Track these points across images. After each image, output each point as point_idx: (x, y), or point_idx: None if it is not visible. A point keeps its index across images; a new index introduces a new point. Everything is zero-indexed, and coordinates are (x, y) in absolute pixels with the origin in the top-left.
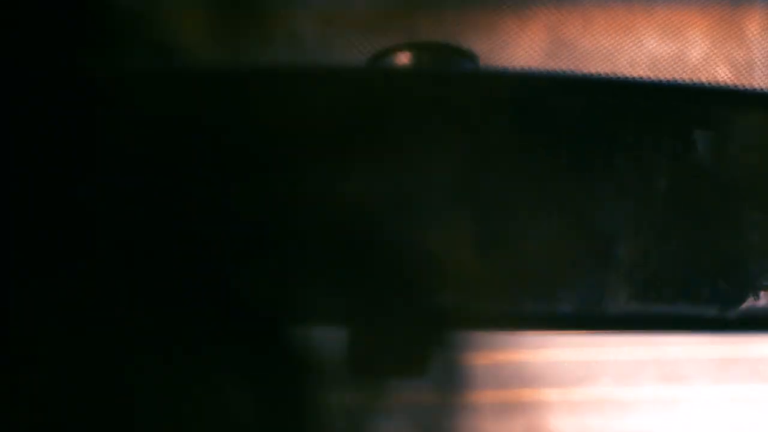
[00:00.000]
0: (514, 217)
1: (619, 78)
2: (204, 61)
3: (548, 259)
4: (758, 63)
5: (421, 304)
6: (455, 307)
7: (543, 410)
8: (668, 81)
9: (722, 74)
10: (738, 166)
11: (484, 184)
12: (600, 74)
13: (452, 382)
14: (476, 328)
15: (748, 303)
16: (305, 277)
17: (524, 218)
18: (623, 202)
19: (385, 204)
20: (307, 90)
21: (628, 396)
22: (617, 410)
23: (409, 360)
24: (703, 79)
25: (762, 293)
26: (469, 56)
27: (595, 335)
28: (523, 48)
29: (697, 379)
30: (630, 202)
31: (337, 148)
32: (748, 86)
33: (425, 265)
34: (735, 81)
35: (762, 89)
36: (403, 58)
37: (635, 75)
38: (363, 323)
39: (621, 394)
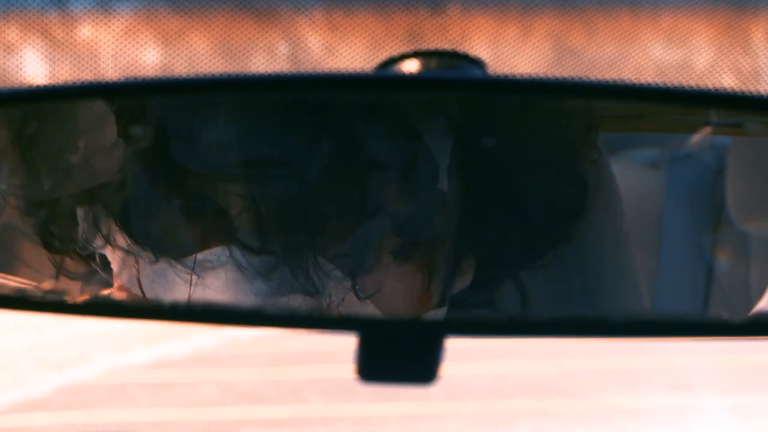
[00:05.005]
0: (509, 218)
1: (619, 84)
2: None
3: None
4: (764, 70)
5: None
6: (459, 313)
7: (550, 419)
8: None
9: (728, 81)
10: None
11: (489, 188)
12: (601, 80)
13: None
14: (478, 335)
15: (755, 308)
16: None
17: (515, 220)
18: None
19: (417, 215)
20: (316, 97)
21: (635, 405)
22: (624, 419)
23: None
24: (709, 86)
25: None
26: (477, 63)
27: (600, 341)
28: (529, 55)
29: (705, 388)
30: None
31: (346, 153)
32: (754, 92)
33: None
34: (741, 88)
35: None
36: (411, 66)
37: (641, 82)
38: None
39: (628, 403)
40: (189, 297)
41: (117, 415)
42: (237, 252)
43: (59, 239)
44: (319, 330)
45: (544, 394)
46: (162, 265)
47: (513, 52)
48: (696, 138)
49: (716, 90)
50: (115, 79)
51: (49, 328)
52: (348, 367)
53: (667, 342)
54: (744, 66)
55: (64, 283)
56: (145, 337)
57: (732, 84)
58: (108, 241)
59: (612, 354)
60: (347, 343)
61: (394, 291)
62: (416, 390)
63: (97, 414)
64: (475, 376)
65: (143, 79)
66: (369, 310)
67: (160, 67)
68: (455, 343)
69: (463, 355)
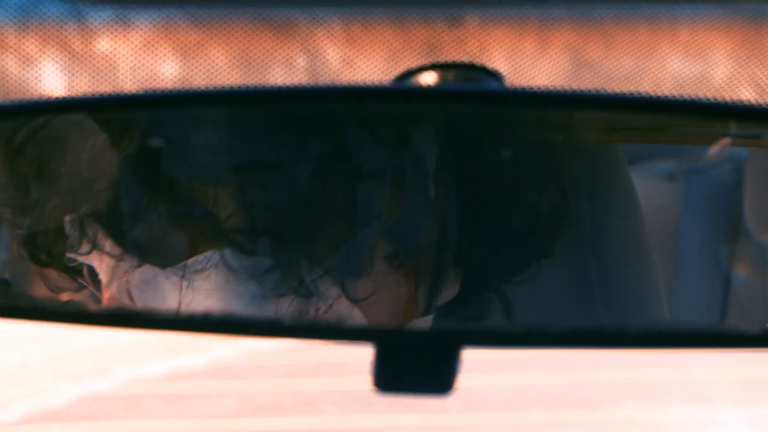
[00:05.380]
0: (529, 227)
1: (637, 96)
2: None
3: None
4: None
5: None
6: (476, 324)
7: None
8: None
9: (746, 94)
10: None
11: (511, 201)
12: (620, 93)
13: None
14: (496, 346)
15: None
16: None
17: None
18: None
19: (408, 222)
20: (332, 108)
21: (652, 417)
22: (642, 431)
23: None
24: (727, 99)
25: None
26: (494, 76)
27: (618, 353)
28: (547, 68)
29: (723, 400)
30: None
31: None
32: None
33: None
34: (759, 100)
35: None
36: (429, 78)
37: (660, 95)
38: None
39: (646, 416)
40: (206, 308)
41: (134, 426)
42: (228, 254)
43: (46, 251)
44: (336, 341)
45: (561, 405)
46: (149, 270)
47: (531, 65)
48: (714, 150)
49: (734, 102)
50: (133, 91)
51: (66, 340)
52: (364, 379)
53: (685, 353)
54: (762, 78)
55: (82, 294)
56: (162, 349)
57: (750, 96)
58: (95, 246)
59: (630, 366)
60: (362, 355)
61: (380, 297)
62: (433, 401)
63: (114, 425)
64: (492, 387)
65: (161, 91)
66: (385, 320)
67: (179, 80)
68: (472, 355)
69: (480, 366)
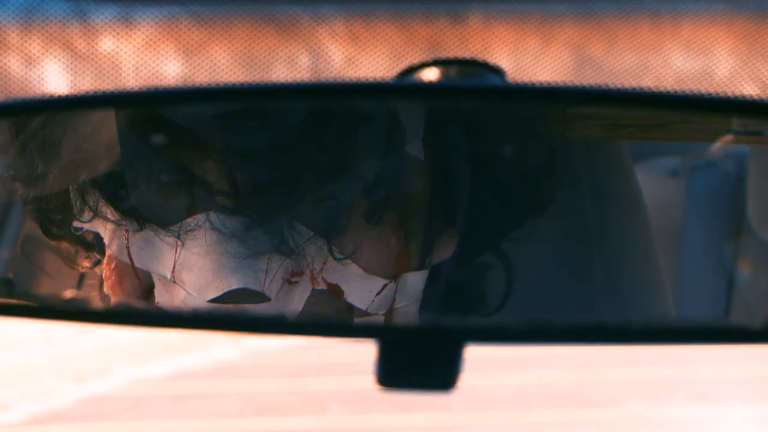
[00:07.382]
0: (533, 225)
1: (639, 91)
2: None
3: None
4: None
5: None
6: (479, 320)
7: (572, 430)
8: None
9: (748, 90)
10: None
11: (506, 197)
12: (622, 89)
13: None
14: (499, 342)
15: None
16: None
17: (545, 228)
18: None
19: (410, 217)
20: (336, 106)
21: (659, 416)
22: (648, 429)
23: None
24: (730, 95)
25: None
26: (496, 72)
27: (623, 349)
28: (550, 64)
29: (728, 398)
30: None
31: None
32: None
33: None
34: (761, 96)
35: None
36: (431, 75)
37: (662, 91)
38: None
39: (651, 414)
40: (209, 305)
41: (138, 427)
42: (214, 216)
43: (55, 223)
44: (339, 338)
45: (567, 404)
46: (148, 233)
47: (533, 62)
48: (717, 147)
49: (737, 97)
50: (136, 89)
51: (71, 340)
52: (369, 378)
53: (689, 349)
54: (765, 74)
55: (85, 292)
56: (166, 348)
57: (753, 92)
58: (96, 213)
59: (636, 364)
60: (367, 354)
61: (370, 252)
62: (437, 400)
63: (118, 426)
64: (497, 386)
65: (164, 88)
66: (388, 317)
67: (182, 78)
68: (477, 353)
69: (484, 364)
